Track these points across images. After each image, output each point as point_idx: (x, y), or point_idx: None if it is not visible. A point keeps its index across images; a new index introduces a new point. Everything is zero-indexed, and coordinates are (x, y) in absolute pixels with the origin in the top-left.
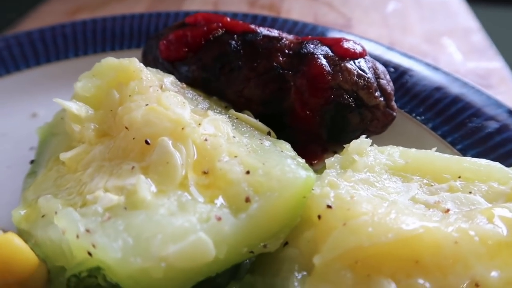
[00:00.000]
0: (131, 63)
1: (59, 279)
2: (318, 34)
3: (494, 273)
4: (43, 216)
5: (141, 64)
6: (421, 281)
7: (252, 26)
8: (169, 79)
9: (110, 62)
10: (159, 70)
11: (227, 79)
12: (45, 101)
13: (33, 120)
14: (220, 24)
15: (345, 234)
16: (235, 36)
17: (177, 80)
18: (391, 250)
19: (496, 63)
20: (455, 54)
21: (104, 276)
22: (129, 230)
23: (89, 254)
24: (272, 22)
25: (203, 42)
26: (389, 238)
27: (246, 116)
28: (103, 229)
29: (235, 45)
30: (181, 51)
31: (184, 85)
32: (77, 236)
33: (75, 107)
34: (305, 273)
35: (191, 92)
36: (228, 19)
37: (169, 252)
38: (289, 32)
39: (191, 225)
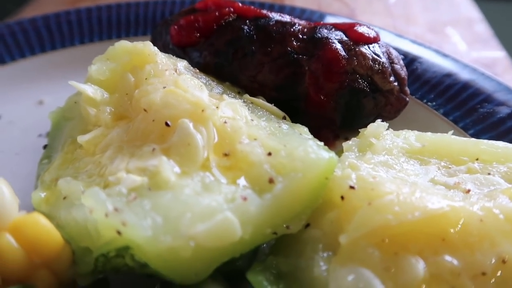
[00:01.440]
0: (145, 47)
1: (85, 260)
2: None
3: None
4: (64, 198)
5: (156, 48)
6: (448, 258)
7: (264, 11)
8: (182, 64)
9: (124, 46)
10: (171, 55)
11: (240, 64)
12: (51, 88)
13: (39, 107)
14: (232, 9)
15: (371, 213)
16: (247, 21)
17: (189, 65)
18: (418, 228)
19: (500, 52)
20: (459, 44)
21: (132, 256)
22: (156, 210)
23: (118, 233)
24: (279, 10)
25: (215, 27)
26: (416, 216)
27: (261, 100)
28: (131, 208)
29: (248, 30)
30: (192, 36)
31: (197, 70)
32: (106, 215)
33: (91, 90)
34: (330, 253)
35: (204, 77)
36: (240, 4)
37: (197, 231)
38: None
39: (218, 205)
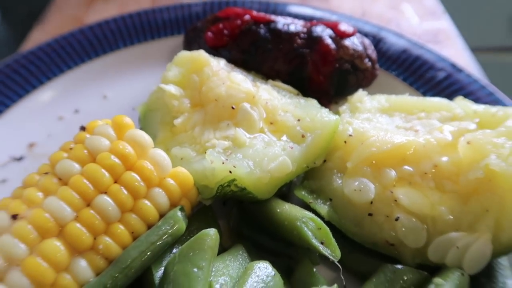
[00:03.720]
0: (200, 55)
1: (205, 191)
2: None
3: (444, 159)
4: (181, 158)
5: (207, 54)
6: (407, 167)
7: (273, 17)
8: (223, 62)
9: (185, 55)
10: (212, 56)
11: (261, 59)
12: (111, 85)
13: (104, 101)
14: (249, 17)
15: (363, 149)
16: (261, 25)
17: (227, 62)
18: (390, 154)
19: (444, 22)
20: (412, 18)
21: (236, 185)
22: (246, 157)
23: (230, 172)
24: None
25: (238, 32)
26: (388, 147)
27: (280, 83)
28: (232, 158)
29: (264, 32)
30: (223, 40)
31: (233, 65)
32: (223, 163)
33: (173, 89)
34: (341, 174)
35: (239, 70)
36: (254, 12)
37: (271, 167)
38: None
39: (278, 152)
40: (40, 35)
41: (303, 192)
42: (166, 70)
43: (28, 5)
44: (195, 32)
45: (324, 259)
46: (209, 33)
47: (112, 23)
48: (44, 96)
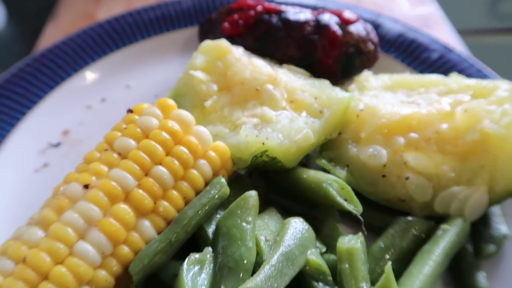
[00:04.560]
0: (222, 43)
1: (240, 161)
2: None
3: (444, 126)
4: (215, 135)
5: (228, 43)
6: (413, 134)
7: (283, 7)
8: (241, 49)
9: (208, 44)
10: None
11: (274, 46)
12: (133, 75)
13: (127, 90)
14: (262, 8)
15: (375, 120)
16: (273, 15)
17: (244, 50)
18: (398, 123)
19: (432, 7)
20: (403, 4)
21: (267, 155)
22: (276, 131)
23: (263, 144)
24: None
25: (252, 21)
26: (396, 118)
27: (295, 67)
28: (263, 132)
29: (276, 21)
30: (239, 29)
31: (250, 52)
32: (256, 136)
33: (202, 75)
34: (355, 143)
35: (255, 56)
36: (266, 3)
37: (297, 138)
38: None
39: (302, 126)
40: (53, 31)
41: (323, 161)
42: (192, 58)
43: (34, 3)
44: (211, 23)
45: (344, 218)
46: (226, 24)
47: (129, 16)
48: (73, 87)
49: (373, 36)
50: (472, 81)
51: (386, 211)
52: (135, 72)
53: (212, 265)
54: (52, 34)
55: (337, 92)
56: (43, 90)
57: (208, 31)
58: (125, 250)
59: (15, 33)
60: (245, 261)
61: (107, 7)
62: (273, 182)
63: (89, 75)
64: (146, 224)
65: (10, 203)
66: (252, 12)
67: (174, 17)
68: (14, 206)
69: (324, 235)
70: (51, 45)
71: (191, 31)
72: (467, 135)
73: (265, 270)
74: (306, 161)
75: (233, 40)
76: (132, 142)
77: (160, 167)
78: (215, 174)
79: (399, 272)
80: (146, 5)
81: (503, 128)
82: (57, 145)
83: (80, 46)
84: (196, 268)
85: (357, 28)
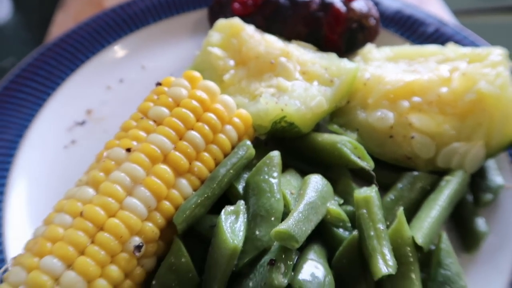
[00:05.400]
0: (235, 21)
1: (260, 128)
2: None
3: (444, 89)
4: (236, 105)
5: (241, 21)
6: (416, 98)
7: None
8: (252, 27)
9: (223, 23)
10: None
11: (283, 24)
12: (148, 56)
13: (143, 71)
14: None
15: (381, 87)
16: None
17: (254, 27)
18: (402, 89)
19: None
20: None
21: (286, 121)
22: (293, 99)
23: (282, 110)
24: None
25: (261, 1)
26: (401, 84)
27: (303, 42)
28: (281, 99)
29: (283, 1)
30: (248, 9)
31: (260, 30)
32: (276, 103)
33: (218, 51)
34: (363, 109)
35: (265, 33)
36: None
37: (312, 105)
38: None
39: (316, 93)
40: (64, 19)
41: (335, 126)
42: (208, 36)
43: None
44: (220, 5)
45: (355, 178)
46: (236, 4)
47: (140, 1)
48: (92, 69)
49: (374, 12)
50: (467, 49)
51: (394, 169)
52: (149, 53)
53: (246, 215)
54: (63, 22)
55: (345, 63)
56: (65, 72)
57: (219, 12)
58: (167, 205)
59: (23, 22)
60: (275, 210)
61: None
62: (289, 149)
63: (107, 57)
64: (184, 182)
65: (46, 178)
66: None
67: (184, 0)
68: (50, 180)
69: (340, 191)
70: (69, 30)
71: (200, 14)
72: (465, 96)
73: (294, 215)
74: (317, 129)
75: (243, 19)
76: (166, 110)
77: (193, 132)
78: (240, 139)
79: (408, 220)
80: None
81: (498, 88)
82: (82, 123)
83: (96, 31)
84: (232, 217)
85: (360, 5)
